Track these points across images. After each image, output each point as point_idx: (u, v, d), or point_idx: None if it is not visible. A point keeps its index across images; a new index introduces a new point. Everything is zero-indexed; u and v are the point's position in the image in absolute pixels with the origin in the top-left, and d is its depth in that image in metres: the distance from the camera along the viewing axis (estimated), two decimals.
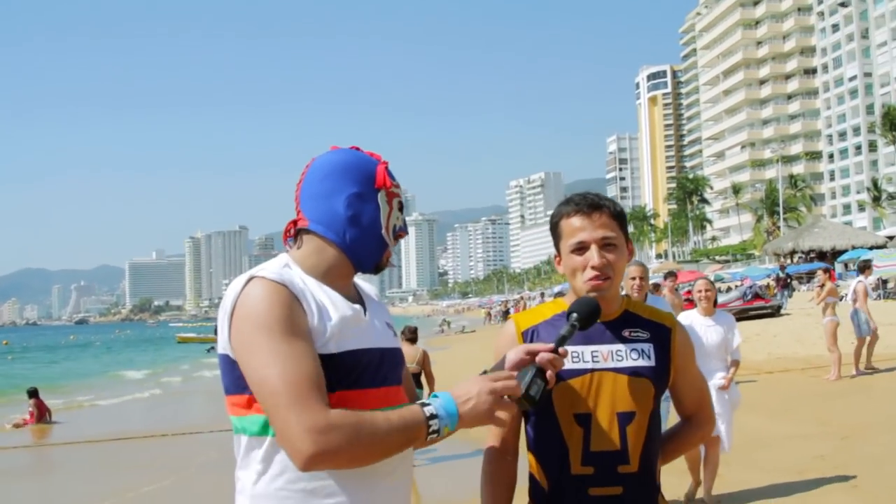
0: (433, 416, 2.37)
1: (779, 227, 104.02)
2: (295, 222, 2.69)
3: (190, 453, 15.55)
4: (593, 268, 2.99)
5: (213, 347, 60.55)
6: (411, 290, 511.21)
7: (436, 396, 2.44)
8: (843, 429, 12.16)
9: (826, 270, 20.26)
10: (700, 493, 8.87)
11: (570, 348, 2.96)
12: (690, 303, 15.72)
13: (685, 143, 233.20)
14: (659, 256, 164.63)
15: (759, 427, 12.71)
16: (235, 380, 2.47)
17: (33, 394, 22.45)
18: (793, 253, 66.68)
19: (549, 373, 2.62)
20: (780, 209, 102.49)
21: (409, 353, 12.51)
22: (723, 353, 8.95)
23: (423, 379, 12.59)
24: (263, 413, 2.41)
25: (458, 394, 2.44)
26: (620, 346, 3.05)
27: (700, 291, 9.09)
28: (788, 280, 41.93)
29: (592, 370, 3.00)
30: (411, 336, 13.11)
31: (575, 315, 2.80)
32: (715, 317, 9.03)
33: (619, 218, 3.08)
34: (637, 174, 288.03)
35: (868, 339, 18.31)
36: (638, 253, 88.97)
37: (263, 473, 2.45)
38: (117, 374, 43.82)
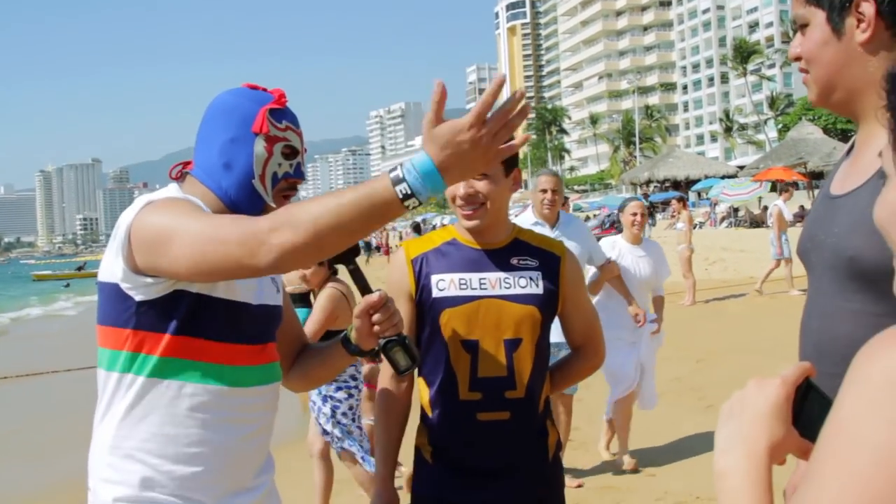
0: (408, 196, 2.03)
1: (635, 157, 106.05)
2: (184, 164, 2.60)
3: (49, 393, 15.21)
4: (461, 197, 3.06)
5: (69, 284, 58.98)
6: None
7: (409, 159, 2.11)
8: (697, 352, 12.60)
9: (680, 200, 20.71)
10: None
11: (457, 276, 3.07)
12: None
13: (544, 73, 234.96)
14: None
15: None
16: (121, 313, 2.37)
17: None
18: (649, 182, 68.03)
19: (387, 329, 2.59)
20: (637, 139, 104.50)
21: (293, 276, 11.92)
22: (652, 287, 7.90)
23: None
24: (137, 352, 2.37)
25: (438, 146, 2.06)
26: (508, 274, 3.09)
27: (634, 215, 7.83)
28: (652, 209, 42.43)
29: (480, 297, 3.05)
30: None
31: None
32: (644, 245, 7.92)
33: None
34: (497, 104, 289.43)
35: (781, 262, 18.28)
36: None
37: (130, 411, 2.40)
38: None
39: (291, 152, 2.55)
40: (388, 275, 3.21)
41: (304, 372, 2.89)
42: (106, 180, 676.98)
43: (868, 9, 1.96)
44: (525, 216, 7.31)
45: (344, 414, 6.56)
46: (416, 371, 2.83)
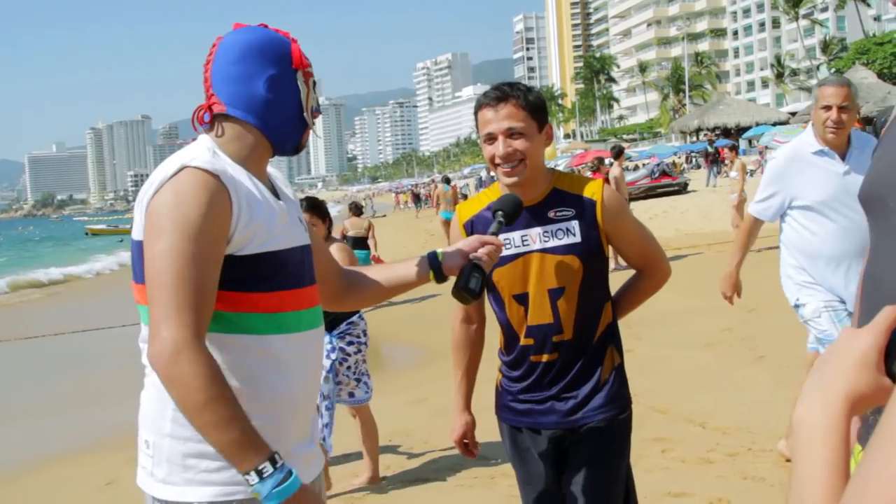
0: (259, 474, 2.21)
1: (684, 105, 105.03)
2: (209, 107, 2.54)
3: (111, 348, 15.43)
4: (499, 157, 3.25)
5: (123, 239, 59.27)
6: (320, 175, 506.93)
7: (288, 474, 2.25)
8: (748, 301, 12.42)
9: (732, 148, 20.19)
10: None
11: (502, 236, 3.22)
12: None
13: (591, 21, 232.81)
14: (567, 136, 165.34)
15: (668, 303, 12.95)
16: None
17: None
18: (698, 130, 67.38)
19: (485, 261, 2.86)
20: (686, 87, 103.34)
21: (358, 223, 16.36)
22: None
23: (369, 241, 16.15)
24: None
25: (299, 497, 2.27)
26: (547, 228, 3.33)
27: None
28: (717, 155, 40.77)
29: (523, 254, 3.34)
30: (357, 211, 16.98)
31: (500, 212, 3.08)
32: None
33: (530, 107, 3.25)
34: (544, 54, 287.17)
35: None
36: None
37: None
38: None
39: (315, 86, 2.68)
40: (451, 238, 3.52)
41: (363, 288, 3.00)
42: (156, 137, 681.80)
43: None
44: (804, 138, 5.52)
45: (349, 367, 6.62)
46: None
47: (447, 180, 30.96)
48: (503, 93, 3.24)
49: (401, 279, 2.96)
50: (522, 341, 3.39)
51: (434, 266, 2.88)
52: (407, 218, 54.27)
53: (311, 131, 2.69)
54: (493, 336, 3.61)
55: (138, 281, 2.43)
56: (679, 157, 59.63)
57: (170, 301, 2.22)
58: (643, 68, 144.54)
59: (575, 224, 3.32)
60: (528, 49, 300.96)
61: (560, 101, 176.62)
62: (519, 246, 3.33)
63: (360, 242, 15.91)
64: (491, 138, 3.25)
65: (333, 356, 6.51)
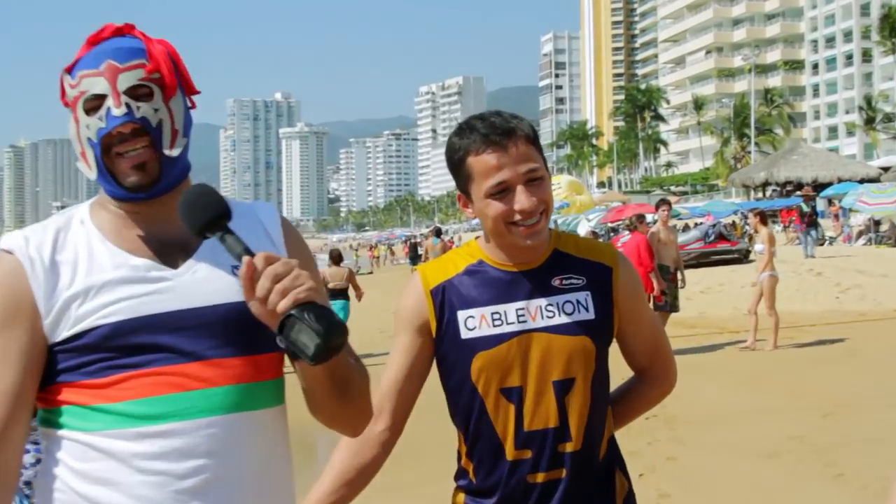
0: None
1: (749, 153, 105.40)
2: None
3: None
4: (525, 212, 2.96)
5: None
6: (294, 219, 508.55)
7: None
8: (824, 403, 12.32)
9: (759, 214, 19.08)
10: None
11: (489, 309, 3.04)
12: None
13: (637, 45, 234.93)
14: (602, 185, 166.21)
15: (720, 399, 12.84)
16: None
17: None
18: (766, 185, 67.59)
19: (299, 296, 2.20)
20: (752, 131, 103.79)
21: (338, 273, 19.55)
22: None
23: (349, 292, 19.56)
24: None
25: None
26: (550, 300, 3.05)
27: None
28: (814, 217, 39.16)
29: (518, 332, 3.01)
30: (337, 260, 20.14)
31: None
32: None
33: (536, 139, 3.06)
34: (577, 82, 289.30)
35: None
36: (577, 179, 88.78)
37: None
38: None
39: (94, 104, 2.36)
40: (401, 304, 3.17)
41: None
42: None
43: None
44: None
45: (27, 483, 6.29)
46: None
47: (438, 233, 34.12)
48: (507, 125, 2.98)
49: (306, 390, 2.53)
50: (512, 455, 3.03)
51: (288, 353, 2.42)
52: (399, 276, 54.18)
53: (90, 168, 2.43)
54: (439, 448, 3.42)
55: None
56: (739, 218, 59.73)
57: None
58: (699, 105, 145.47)
59: (586, 295, 3.08)
60: (556, 76, 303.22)
61: (594, 142, 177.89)
62: (513, 323, 3.02)
63: (339, 293, 19.06)
64: (505, 190, 2.96)
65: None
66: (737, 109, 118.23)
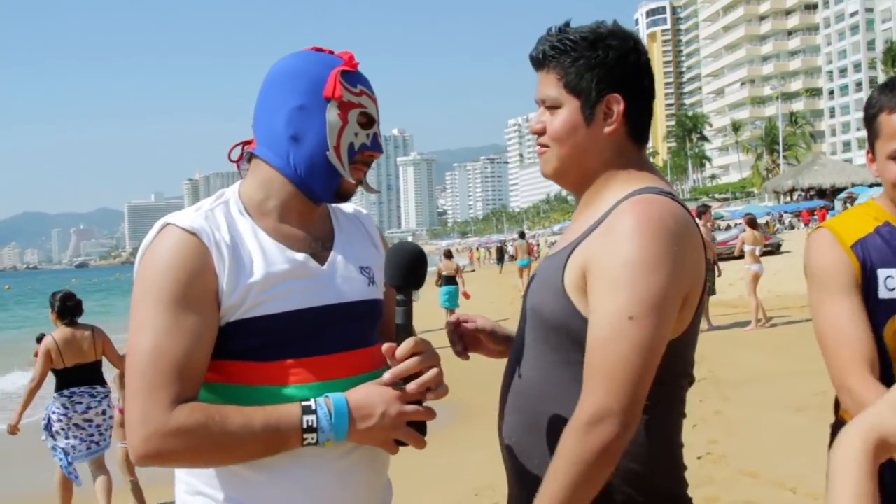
0: (310, 430, 2.01)
1: (778, 165, 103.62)
2: (244, 143, 2.30)
3: None
4: None
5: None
6: (411, 230, 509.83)
7: (328, 398, 2.05)
8: None
9: (751, 222, 18.66)
10: None
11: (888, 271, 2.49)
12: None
13: (684, 80, 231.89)
14: None
15: (759, 364, 12.78)
16: None
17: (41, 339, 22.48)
18: (792, 191, 66.51)
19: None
20: (780, 147, 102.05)
21: (450, 265, 21.58)
22: None
23: (457, 279, 21.35)
24: None
25: (358, 405, 2.05)
26: None
27: None
28: None
29: None
30: (449, 255, 22.05)
31: (399, 284, 2.13)
32: None
33: None
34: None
35: None
36: None
37: None
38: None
39: (368, 121, 2.24)
40: (815, 263, 2.64)
41: None
42: None
43: (617, 107, 2.22)
44: None
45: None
46: None
47: (522, 235, 35.88)
48: None
49: None
50: None
51: None
52: (492, 273, 54.18)
53: (363, 175, 2.28)
54: None
55: None
56: (772, 218, 58.81)
57: (138, 386, 1.99)
58: (736, 127, 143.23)
59: None
60: None
61: (652, 160, 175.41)
62: None
63: (450, 280, 21.50)
64: None
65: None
66: (767, 130, 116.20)
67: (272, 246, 2.15)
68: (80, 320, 8.40)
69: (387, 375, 2.08)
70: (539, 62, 2.29)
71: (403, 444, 2.14)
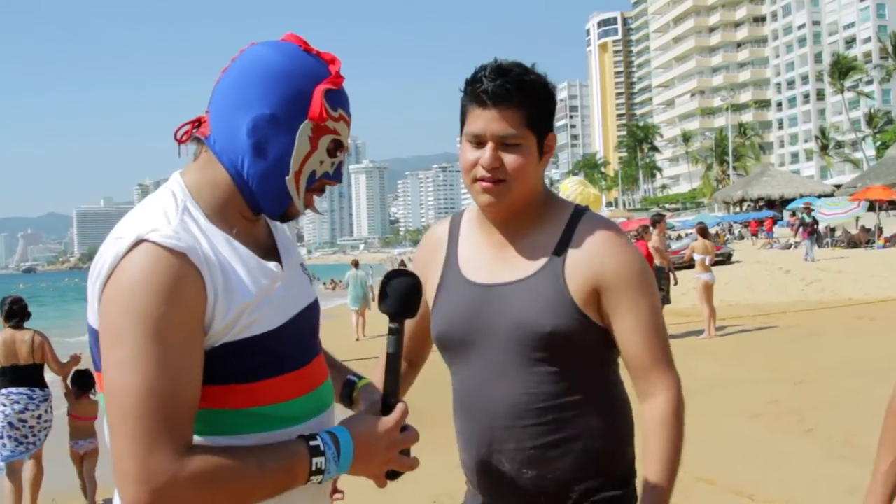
0: (318, 472, 1.87)
1: (728, 176, 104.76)
2: (199, 123, 2.03)
3: None
4: None
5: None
6: (363, 237, 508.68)
7: (335, 435, 1.93)
8: (795, 374, 12.33)
9: (702, 230, 18.82)
10: None
11: None
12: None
13: (636, 90, 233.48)
14: (609, 205, 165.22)
15: (711, 372, 12.85)
16: None
17: None
18: (742, 201, 67.25)
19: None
20: (730, 158, 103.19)
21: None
22: None
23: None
24: None
25: (363, 443, 1.94)
26: None
27: None
28: (815, 226, 37.07)
29: None
30: (402, 264, 19.26)
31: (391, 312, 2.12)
32: None
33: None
34: (588, 122, 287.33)
35: None
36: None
37: None
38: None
39: (336, 148, 2.04)
40: None
41: None
42: None
43: (554, 143, 2.50)
44: None
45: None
46: None
47: (705, 231, 34.01)
48: None
49: None
50: None
51: (346, 394, 2.32)
52: None
53: (300, 196, 2.04)
54: None
55: (98, 370, 1.88)
56: (722, 228, 59.38)
57: (132, 429, 1.71)
58: (686, 138, 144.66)
59: None
60: (571, 117, 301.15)
61: (603, 170, 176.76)
62: None
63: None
64: None
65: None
66: (717, 141, 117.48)
67: (249, 258, 1.96)
68: (28, 325, 8.70)
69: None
70: (502, 99, 2.36)
71: (392, 477, 2.07)
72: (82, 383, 8.91)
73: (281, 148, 1.94)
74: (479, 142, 2.40)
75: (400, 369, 2.08)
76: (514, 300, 2.43)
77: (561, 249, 2.44)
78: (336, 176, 2.08)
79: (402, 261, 21.34)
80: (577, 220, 2.49)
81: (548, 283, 2.42)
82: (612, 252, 2.42)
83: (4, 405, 8.39)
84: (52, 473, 9.06)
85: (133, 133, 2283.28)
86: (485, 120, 2.37)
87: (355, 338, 22.99)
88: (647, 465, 2.39)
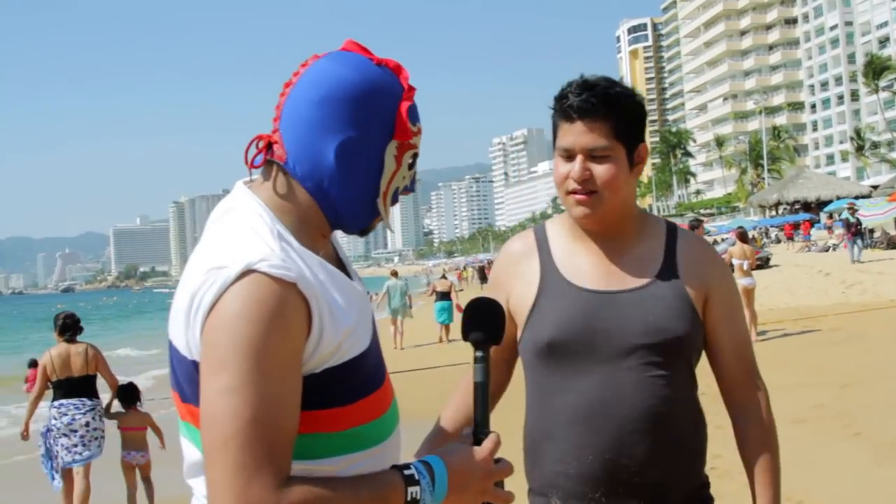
0: (414, 502, 1.79)
1: (763, 179, 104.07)
2: (269, 145, 1.93)
3: None
4: None
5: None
6: (397, 250, 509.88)
7: (429, 464, 1.86)
8: (840, 377, 12.21)
9: (740, 232, 18.69)
10: None
11: None
12: None
13: (667, 96, 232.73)
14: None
15: None
16: None
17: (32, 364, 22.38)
18: (778, 204, 66.77)
19: None
20: (765, 161, 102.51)
21: (444, 283, 26.67)
22: None
23: (451, 295, 25.53)
24: None
25: (457, 472, 1.87)
26: None
27: None
28: (859, 227, 35.56)
29: None
30: (443, 276, 24.44)
31: (477, 340, 2.06)
32: None
33: None
34: None
35: None
36: None
37: None
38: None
39: (414, 162, 2.03)
40: None
41: None
42: None
43: (646, 154, 2.56)
44: None
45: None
46: None
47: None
48: None
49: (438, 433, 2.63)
50: None
51: None
52: (479, 291, 54.41)
53: (388, 214, 2.04)
54: None
55: (187, 401, 1.85)
56: (759, 232, 59.01)
57: (238, 461, 1.65)
58: (720, 142, 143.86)
59: None
60: None
61: None
62: None
63: (444, 295, 25.58)
64: None
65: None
66: (751, 144, 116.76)
67: (341, 279, 1.90)
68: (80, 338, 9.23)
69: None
70: (588, 112, 2.45)
71: None
72: (128, 397, 9.43)
73: (370, 171, 1.92)
74: (569, 155, 2.50)
75: (489, 399, 2.02)
76: (640, 306, 2.50)
77: (671, 258, 2.58)
78: (412, 186, 2.09)
79: (483, 266, 24.20)
80: (674, 232, 2.66)
81: (669, 290, 2.53)
82: (716, 263, 2.65)
83: (55, 417, 8.82)
84: (99, 489, 9.30)
85: (168, 150, 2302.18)
86: (573, 134, 2.48)
87: (393, 346, 23.55)
88: (760, 475, 2.63)
